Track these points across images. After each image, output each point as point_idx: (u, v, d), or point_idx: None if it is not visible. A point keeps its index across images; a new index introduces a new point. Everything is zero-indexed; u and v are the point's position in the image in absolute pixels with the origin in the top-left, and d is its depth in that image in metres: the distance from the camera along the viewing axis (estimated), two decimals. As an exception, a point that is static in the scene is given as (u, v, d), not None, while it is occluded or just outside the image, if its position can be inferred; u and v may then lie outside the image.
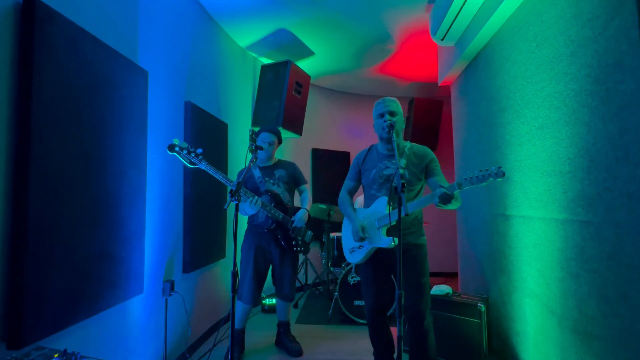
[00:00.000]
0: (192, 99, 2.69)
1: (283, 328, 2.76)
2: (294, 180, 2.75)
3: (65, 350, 1.21)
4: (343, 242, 2.16)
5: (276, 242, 2.57)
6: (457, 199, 1.73)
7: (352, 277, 3.21)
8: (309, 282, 4.43)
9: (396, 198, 1.49)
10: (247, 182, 2.60)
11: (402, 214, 1.45)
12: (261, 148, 2.27)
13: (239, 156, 3.58)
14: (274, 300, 3.53)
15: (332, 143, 5.28)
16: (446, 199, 1.64)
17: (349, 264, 3.32)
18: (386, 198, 1.93)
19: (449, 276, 5.08)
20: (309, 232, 2.69)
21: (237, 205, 1.65)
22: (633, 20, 1.28)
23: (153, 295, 2.15)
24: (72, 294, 1.48)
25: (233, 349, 1.59)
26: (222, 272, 3.24)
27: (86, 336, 1.60)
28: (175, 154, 1.91)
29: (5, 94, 1.25)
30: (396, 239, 1.79)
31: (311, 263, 4.47)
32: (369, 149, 2.16)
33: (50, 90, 1.37)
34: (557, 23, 1.76)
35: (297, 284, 4.30)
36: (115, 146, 1.77)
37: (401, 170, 1.51)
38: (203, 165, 1.97)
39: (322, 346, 2.79)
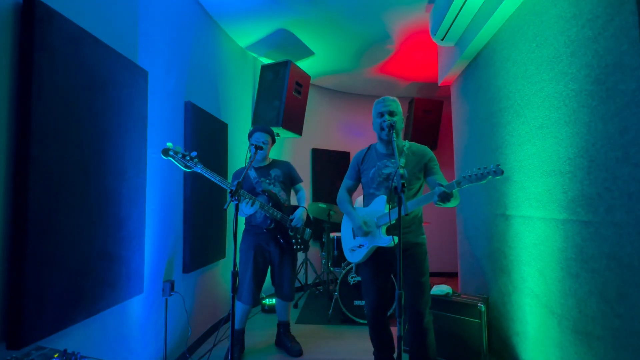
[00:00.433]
0: (192, 99, 2.69)
1: (283, 328, 2.76)
2: (290, 179, 2.75)
3: (65, 350, 1.21)
4: (343, 241, 2.16)
5: (275, 242, 2.57)
6: (455, 197, 1.74)
7: (352, 277, 3.21)
8: (309, 282, 4.43)
9: (395, 197, 1.49)
10: (243, 183, 2.60)
11: (402, 214, 1.45)
12: (261, 148, 2.28)
13: (239, 156, 3.58)
14: (274, 300, 3.53)
15: (332, 143, 5.28)
16: (445, 197, 1.64)
17: (349, 263, 3.32)
18: (385, 197, 1.93)
19: (449, 276, 5.08)
20: (308, 230, 2.70)
21: (237, 205, 1.66)
22: (633, 20, 1.28)
23: (153, 295, 2.15)
24: (72, 294, 1.48)
25: (233, 349, 1.59)
26: (222, 272, 3.24)
27: (86, 336, 1.60)
28: (169, 158, 1.88)
29: (6, 94, 1.25)
30: (396, 238, 1.79)
31: (311, 263, 4.47)
32: (368, 148, 2.16)
33: (50, 90, 1.37)
34: (557, 23, 1.76)
35: (297, 284, 4.31)
36: (115, 146, 1.77)
37: (401, 170, 1.51)
38: (198, 169, 1.96)
39: (322, 346, 2.79)
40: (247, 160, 2.89)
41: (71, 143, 1.48)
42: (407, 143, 2.06)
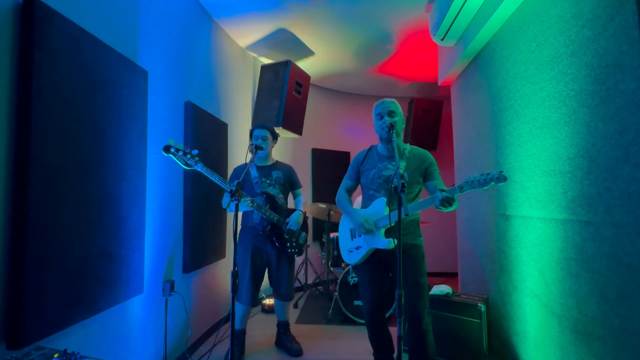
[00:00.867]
0: (192, 99, 2.69)
1: (283, 328, 2.76)
2: (290, 184, 2.74)
3: (65, 350, 1.21)
4: (340, 243, 2.16)
5: (272, 244, 2.56)
6: (455, 200, 1.74)
7: (352, 277, 3.21)
8: (309, 282, 4.43)
9: (395, 199, 1.49)
10: (243, 182, 2.60)
11: (402, 214, 1.45)
12: (261, 148, 2.28)
13: (239, 156, 3.58)
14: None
15: (332, 143, 5.28)
16: (447, 202, 1.64)
17: (349, 263, 3.32)
18: (385, 199, 1.93)
19: (449, 276, 5.08)
20: (303, 234, 2.69)
21: (237, 205, 1.66)
22: (633, 20, 1.28)
23: (153, 295, 2.15)
24: (72, 294, 1.47)
25: (233, 349, 1.59)
26: (222, 272, 3.24)
27: (86, 336, 1.60)
28: (170, 155, 1.88)
29: (6, 94, 1.25)
30: (395, 240, 1.79)
31: (311, 263, 4.47)
32: (369, 149, 2.16)
33: (50, 90, 1.37)
34: (557, 23, 1.76)
35: (297, 284, 4.31)
36: (115, 146, 1.77)
37: (401, 171, 1.51)
38: (199, 167, 1.95)
39: (322, 346, 2.79)
40: (248, 161, 2.89)
41: (71, 143, 1.48)
42: (408, 147, 2.06)
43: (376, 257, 1.99)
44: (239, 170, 2.60)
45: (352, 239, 2.07)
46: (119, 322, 1.84)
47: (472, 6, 2.54)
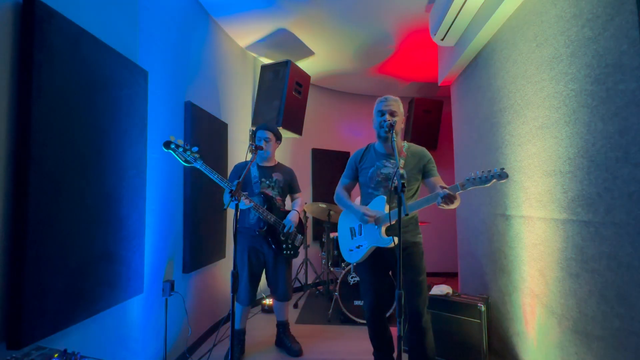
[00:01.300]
0: (192, 99, 2.69)
1: (282, 328, 2.76)
2: (290, 187, 2.75)
3: (65, 350, 1.21)
4: (340, 242, 2.16)
5: (268, 245, 2.56)
6: (457, 198, 1.74)
7: (352, 277, 3.21)
8: (308, 282, 4.43)
9: (395, 197, 1.49)
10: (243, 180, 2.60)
11: (402, 214, 1.45)
12: (261, 148, 2.27)
13: (239, 156, 3.58)
14: (273, 300, 3.53)
15: (332, 143, 5.28)
16: (450, 199, 1.64)
17: (349, 263, 3.32)
18: (384, 197, 1.93)
19: (449, 276, 5.07)
20: (299, 236, 2.69)
21: (237, 205, 1.66)
22: (633, 20, 1.28)
23: (153, 295, 2.15)
24: (72, 294, 1.47)
25: (233, 349, 1.59)
26: (221, 272, 3.24)
27: (86, 336, 1.60)
28: (170, 151, 1.89)
29: (6, 94, 1.25)
30: (396, 238, 1.79)
31: (311, 263, 4.47)
32: (367, 147, 2.16)
33: (50, 90, 1.37)
34: (557, 23, 1.76)
35: (297, 284, 4.31)
36: (115, 146, 1.77)
37: (401, 171, 1.51)
38: (198, 165, 1.95)
39: (322, 346, 2.79)
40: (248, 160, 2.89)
41: (71, 143, 1.48)
42: (405, 144, 2.06)
43: (376, 256, 1.99)
44: (240, 167, 2.60)
45: (352, 238, 2.07)
46: (119, 322, 1.84)
47: (472, 6, 2.54)
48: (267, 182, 2.61)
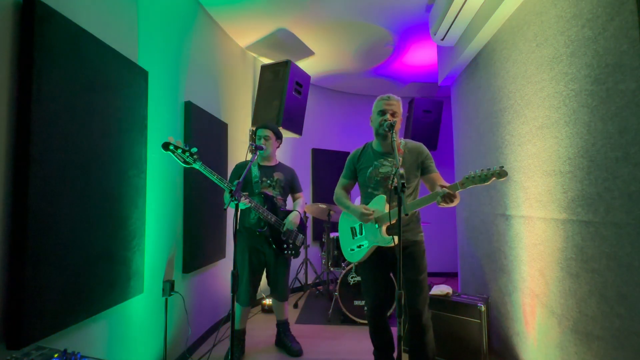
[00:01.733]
0: (192, 99, 2.69)
1: (282, 327, 2.76)
2: (291, 187, 2.74)
3: (65, 350, 1.21)
4: (341, 242, 2.16)
5: (268, 245, 2.56)
6: (456, 197, 1.74)
7: (352, 277, 3.21)
8: (308, 282, 4.43)
9: (395, 197, 1.49)
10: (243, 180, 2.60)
11: (402, 214, 1.45)
12: (262, 148, 2.27)
13: (239, 156, 3.58)
14: (273, 300, 3.53)
15: (332, 143, 5.28)
16: (449, 198, 1.64)
17: (349, 263, 3.32)
18: (384, 196, 1.93)
19: (449, 276, 5.08)
20: (301, 236, 2.69)
21: (237, 205, 1.66)
22: (633, 20, 1.28)
23: (153, 295, 2.15)
24: (72, 294, 1.48)
25: (233, 349, 1.59)
26: (221, 272, 3.24)
27: (86, 336, 1.60)
28: (169, 152, 1.87)
29: (6, 94, 1.25)
30: (396, 237, 1.78)
31: (311, 263, 4.47)
32: (364, 147, 2.16)
33: (50, 91, 1.37)
34: (557, 23, 1.76)
35: (297, 284, 4.32)
36: (115, 146, 1.77)
37: (401, 171, 1.51)
38: (197, 165, 1.94)
39: (322, 346, 2.79)
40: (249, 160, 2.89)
41: (71, 143, 1.48)
42: (402, 141, 2.06)
43: (378, 255, 1.99)
44: (240, 167, 2.60)
45: (353, 238, 2.07)
46: (119, 322, 1.84)
47: (472, 6, 2.54)
48: (268, 181, 2.61)
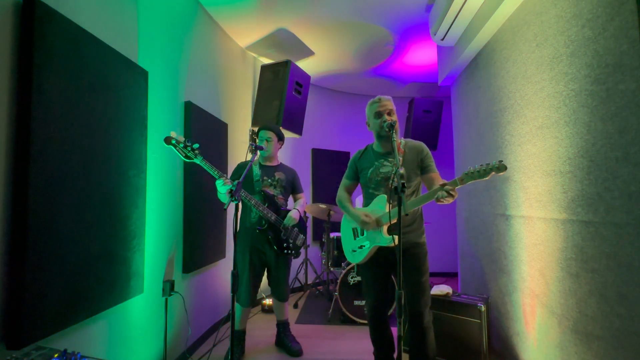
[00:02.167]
0: (192, 99, 2.69)
1: (282, 327, 2.76)
2: (292, 187, 2.75)
3: (65, 350, 1.21)
4: (343, 243, 2.16)
5: (269, 244, 2.56)
6: (455, 193, 1.73)
7: (352, 277, 3.21)
8: (308, 282, 4.43)
9: (396, 197, 1.49)
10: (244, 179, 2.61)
11: (402, 214, 1.45)
12: (262, 148, 2.28)
13: (239, 156, 3.59)
14: (273, 300, 3.53)
15: (332, 143, 5.28)
16: (449, 194, 1.63)
17: (349, 263, 3.32)
18: (385, 196, 1.93)
19: (449, 276, 5.08)
20: (301, 235, 2.69)
21: (237, 205, 1.66)
22: (633, 20, 1.28)
23: (153, 295, 2.15)
24: (72, 293, 1.48)
25: (233, 349, 1.59)
26: (222, 272, 3.24)
27: (86, 336, 1.60)
28: (171, 146, 1.91)
29: (6, 94, 1.25)
30: (396, 238, 1.78)
31: (311, 263, 4.47)
32: (365, 148, 2.17)
33: (50, 91, 1.37)
34: (557, 23, 1.76)
35: (297, 284, 4.31)
36: (116, 146, 1.77)
37: (402, 171, 1.51)
38: (199, 160, 1.97)
39: (322, 346, 2.79)
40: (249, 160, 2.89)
41: (71, 143, 1.48)
42: (402, 140, 2.06)
43: (379, 256, 1.99)
44: (242, 166, 2.61)
45: (354, 239, 2.07)
46: (119, 322, 1.84)
47: (472, 6, 2.54)
48: (269, 180, 2.61)
